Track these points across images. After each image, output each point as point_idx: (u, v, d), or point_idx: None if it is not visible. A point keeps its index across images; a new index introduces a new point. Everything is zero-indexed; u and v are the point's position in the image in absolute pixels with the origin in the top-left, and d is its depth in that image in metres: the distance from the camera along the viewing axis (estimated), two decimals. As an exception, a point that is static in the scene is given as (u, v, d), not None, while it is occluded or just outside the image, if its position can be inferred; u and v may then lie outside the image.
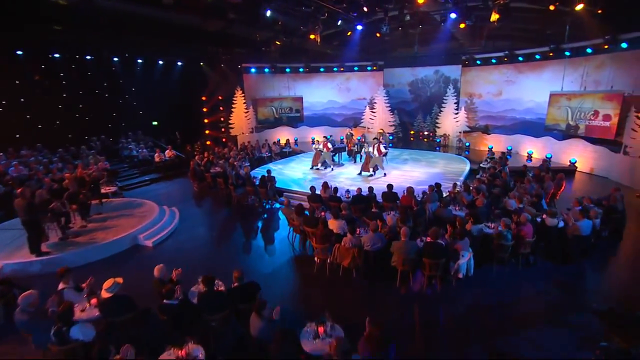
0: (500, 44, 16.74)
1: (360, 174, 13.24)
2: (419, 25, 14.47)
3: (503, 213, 7.36)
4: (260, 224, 10.05)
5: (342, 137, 21.11)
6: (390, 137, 21.00)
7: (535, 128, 16.11)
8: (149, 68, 16.95)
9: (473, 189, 9.04)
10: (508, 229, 6.55)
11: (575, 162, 13.97)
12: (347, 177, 13.24)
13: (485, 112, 18.32)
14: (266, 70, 20.45)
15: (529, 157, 15.77)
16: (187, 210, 10.89)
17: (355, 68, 21.38)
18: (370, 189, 9.01)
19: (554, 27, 14.06)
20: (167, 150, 15.22)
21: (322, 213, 7.90)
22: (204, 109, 18.43)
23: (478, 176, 11.65)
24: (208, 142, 18.58)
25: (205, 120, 18.49)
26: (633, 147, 11.95)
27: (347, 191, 9.31)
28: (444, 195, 9.06)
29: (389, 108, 20.53)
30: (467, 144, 18.11)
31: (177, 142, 17.79)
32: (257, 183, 10.97)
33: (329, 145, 13.88)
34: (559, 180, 9.53)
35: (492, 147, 17.41)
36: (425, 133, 20.89)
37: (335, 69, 21.44)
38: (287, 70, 20.89)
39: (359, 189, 8.96)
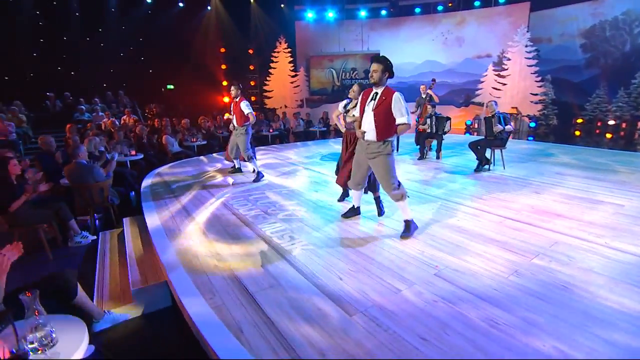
0: None
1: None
2: None
3: None
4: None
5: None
6: (532, 125, 11.60)
7: None
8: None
9: None
10: None
11: None
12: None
13: None
14: (329, 17, 13.48)
15: None
16: None
17: (477, 2, 12.41)
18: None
19: None
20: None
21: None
22: (222, 66, 12.64)
23: None
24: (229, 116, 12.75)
25: (224, 83, 12.70)
26: None
27: None
28: None
29: (535, 72, 11.09)
30: None
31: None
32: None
33: (246, 111, 4.83)
34: None
35: None
36: (610, 122, 10.96)
37: (440, 8, 12.92)
38: (362, 12, 13.43)
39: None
